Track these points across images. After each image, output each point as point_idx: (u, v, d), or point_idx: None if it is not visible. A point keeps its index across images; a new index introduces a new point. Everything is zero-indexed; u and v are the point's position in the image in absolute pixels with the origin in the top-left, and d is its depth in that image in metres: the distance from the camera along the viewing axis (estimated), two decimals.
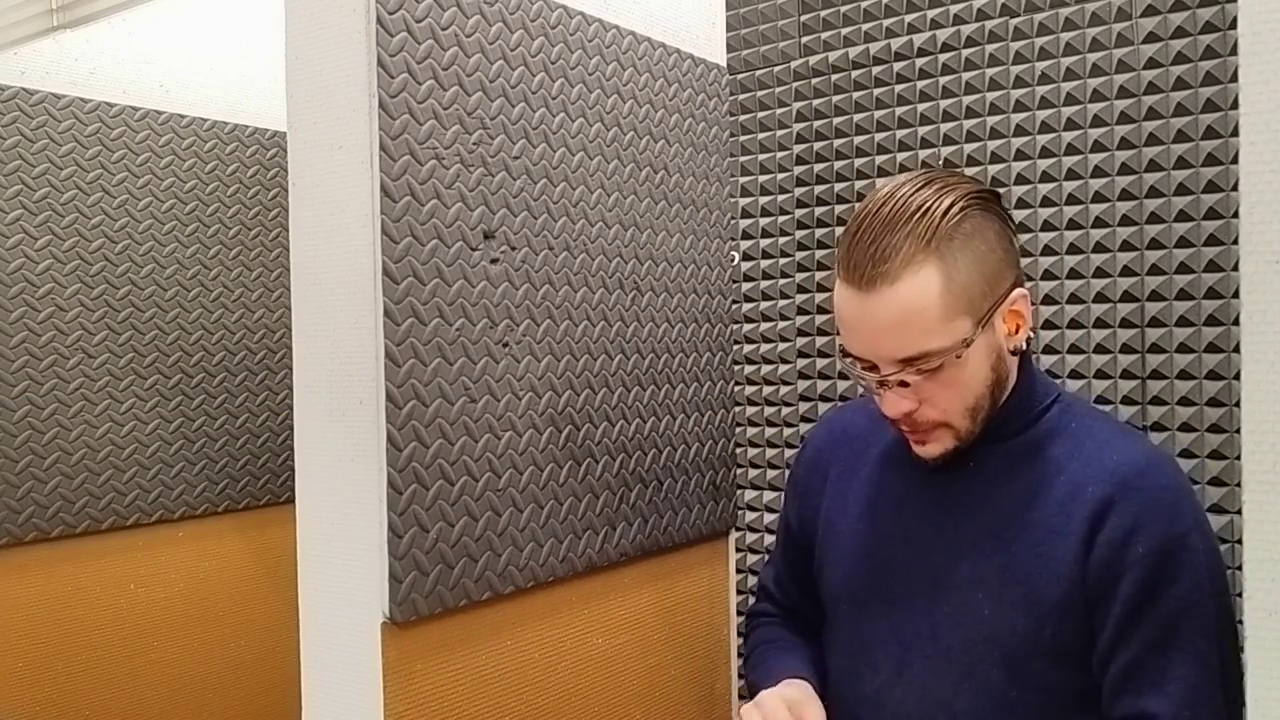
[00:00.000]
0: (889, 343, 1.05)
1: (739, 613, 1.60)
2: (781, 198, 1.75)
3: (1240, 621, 1.26)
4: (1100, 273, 1.46)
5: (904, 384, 1.07)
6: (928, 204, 1.04)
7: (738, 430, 1.69)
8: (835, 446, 1.33)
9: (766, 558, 1.49)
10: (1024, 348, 1.12)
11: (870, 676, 1.19)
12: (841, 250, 1.07)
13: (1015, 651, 1.08)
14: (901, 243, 1.02)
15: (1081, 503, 1.07)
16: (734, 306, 1.71)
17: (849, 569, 1.24)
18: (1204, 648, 1.03)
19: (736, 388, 1.71)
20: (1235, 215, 1.36)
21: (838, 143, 1.69)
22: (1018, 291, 1.10)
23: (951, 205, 1.05)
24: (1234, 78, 1.33)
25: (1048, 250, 1.49)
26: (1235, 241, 1.35)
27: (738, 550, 1.66)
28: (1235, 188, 1.35)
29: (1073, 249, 1.48)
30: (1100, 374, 1.46)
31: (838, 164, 1.69)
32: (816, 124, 1.71)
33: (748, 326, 1.78)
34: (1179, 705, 1.01)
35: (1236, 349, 1.35)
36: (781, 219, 1.75)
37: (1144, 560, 1.03)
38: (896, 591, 1.18)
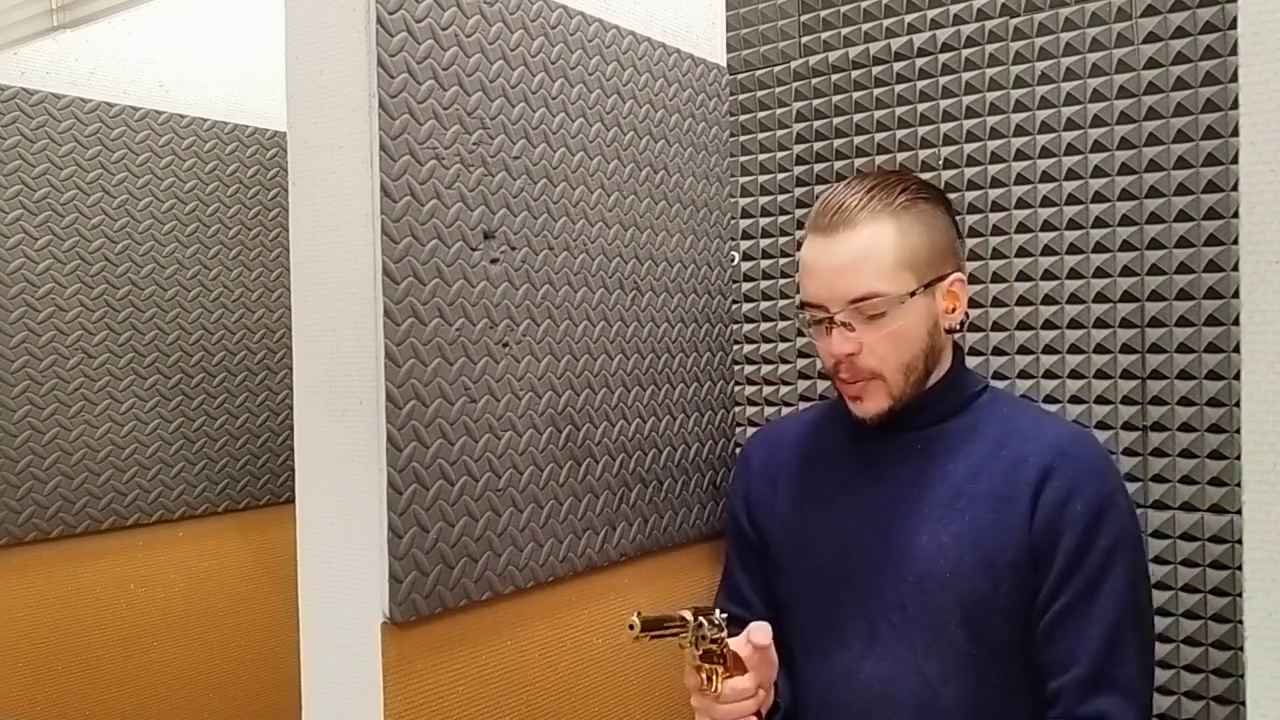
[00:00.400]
0: (843, 280, 1.19)
1: None
2: (781, 198, 1.75)
3: (1239, 622, 1.27)
4: (1100, 273, 1.46)
5: (850, 328, 1.20)
6: (890, 181, 1.23)
7: (738, 430, 1.69)
8: (779, 452, 1.41)
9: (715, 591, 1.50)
10: (957, 329, 1.27)
11: (840, 653, 1.26)
12: (812, 211, 1.25)
13: (975, 612, 1.19)
14: (865, 201, 1.20)
15: (1024, 470, 1.21)
16: (734, 306, 1.71)
17: (813, 559, 1.31)
18: (1123, 590, 1.17)
19: (736, 388, 1.71)
20: (1235, 215, 1.36)
21: (838, 143, 1.69)
22: (957, 275, 1.25)
23: (909, 186, 1.24)
24: (1234, 78, 1.33)
25: (1048, 250, 1.49)
26: (1235, 241, 1.35)
27: None
28: (1235, 188, 1.35)
29: (1073, 249, 1.48)
30: (1100, 374, 1.46)
31: (838, 164, 1.69)
32: (816, 124, 1.71)
33: (748, 326, 1.78)
34: (1100, 645, 1.15)
35: (1236, 349, 1.34)
36: (781, 219, 1.75)
37: (1081, 517, 1.17)
38: (860, 571, 1.26)
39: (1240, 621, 1.34)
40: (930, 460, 1.26)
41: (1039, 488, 1.19)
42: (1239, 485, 1.35)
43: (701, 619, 1.12)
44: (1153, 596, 1.29)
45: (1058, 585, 1.18)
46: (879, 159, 1.64)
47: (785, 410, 1.75)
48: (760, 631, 1.16)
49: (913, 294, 1.19)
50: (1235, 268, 1.35)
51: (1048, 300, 1.49)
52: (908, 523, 1.24)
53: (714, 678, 1.15)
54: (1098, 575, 1.17)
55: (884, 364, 1.21)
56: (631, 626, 1.06)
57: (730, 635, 1.38)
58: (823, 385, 1.71)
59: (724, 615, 1.15)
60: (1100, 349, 1.46)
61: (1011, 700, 1.21)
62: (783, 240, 1.75)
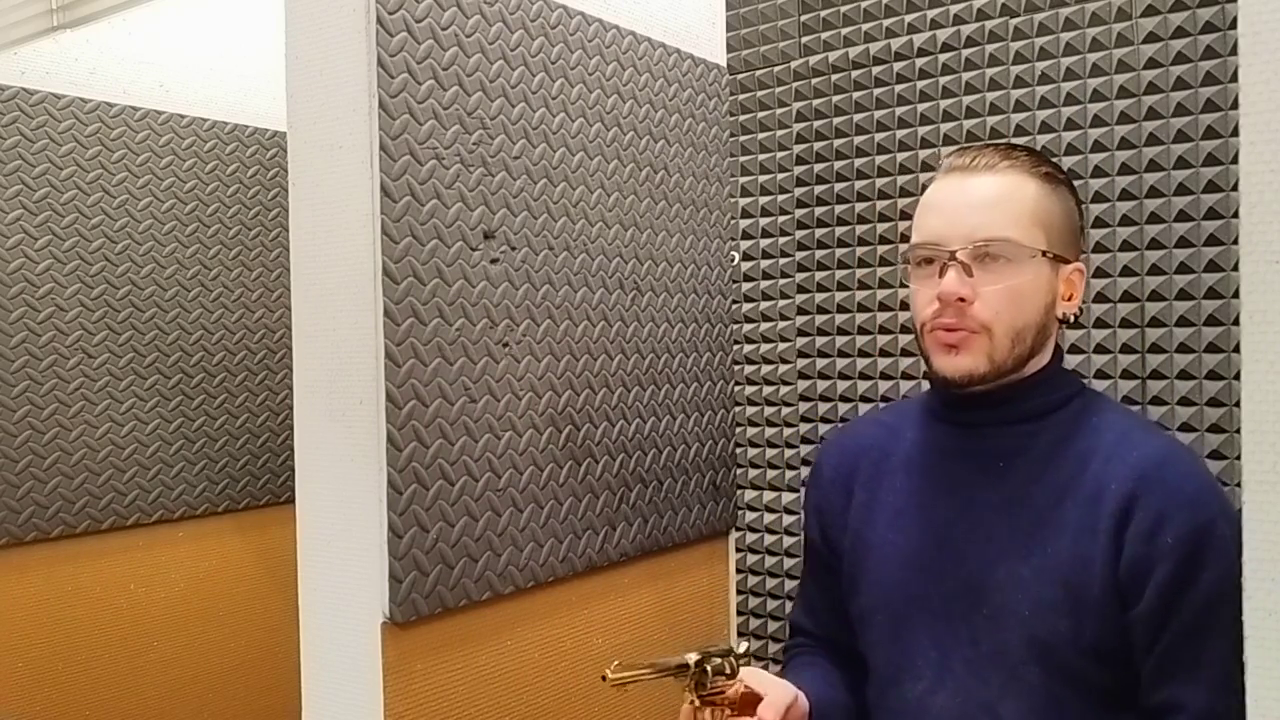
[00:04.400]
0: (976, 217, 1.11)
1: (739, 613, 1.60)
2: (781, 198, 1.75)
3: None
4: (1100, 273, 1.46)
5: (968, 272, 1.10)
6: (1036, 152, 1.17)
7: (738, 430, 1.69)
8: (854, 461, 1.31)
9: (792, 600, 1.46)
10: (1070, 321, 1.17)
11: (911, 684, 1.18)
12: (949, 157, 1.17)
13: (1056, 652, 1.09)
14: (1013, 154, 1.14)
15: (1106, 500, 1.09)
16: (734, 306, 1.71)
17: (884, 579, 1.22)
18: (1229, 627, 1.05)
19: (736, 388, 1.71)
20: (1235, 215, 1.36)
21: (838, 143, 1.69)
22: (1079, 265, 1.17)
23: (1054, 165, 1.18)
24: (1234, 78, 1.33)
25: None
26: (1235, 241, 1.35)
27: (738, 550, 1.66)
28: (1235, 188, 1.35)
29: None
30: (1100, 374, 1.46)
31: (838, 164, 1.69)
32: (816, 124, 1.71)
33: (748, 326, 1.78)
34: (1209, 691, 1.03)
35: (1236, 349, 1.35)
36: (781, 219, 1.75)
37: (1173, 551, 1.05)
38: (934, 598, 1.17)
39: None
40: (1011, 480, 1.15)
41: (1123, 520, 1.07)
42: (1239, 485, 1.35)
43: (707, 666, 1.07)
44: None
45: (1155, 627, 1.06)
46: (879, 159, 1.64)
47: (785, 410, 1.75)
48: (770, 712, 1.09)
49: (1043, 254, 1.11)
50: (1235, 268, 1.35)
51: None
52: (985, 551, 1.14)
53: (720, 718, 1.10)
54: (1201, 615, 1.04)
55: (998, 319, 1.10)
56: (604, 678, 1.01)
57: (799, 651, 1.34)
58: (823, 385, 1.71)
59: (743, 655, 1.11)
60: (1100, 349, 1.46)
61: None
62: (783, 240, 1.75)
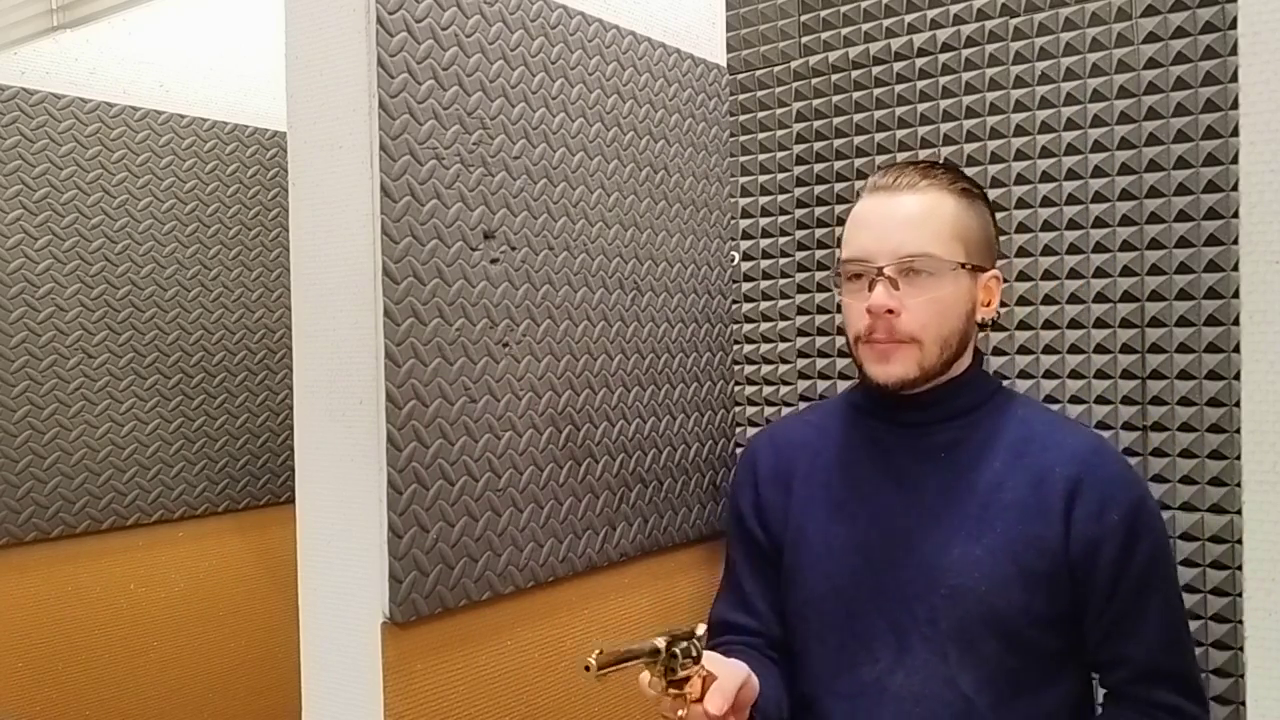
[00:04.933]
0: (899, 235, 1.20)
1: None
2: (781, 198, 1.75)
3: (1239, 622, 1.27)
4: (1100, 273, 1.46)
5: (894, 286, 1.19)
6: (951, 168, 1.28)
7: (738, 430, 1.69)
8: (790, 457, 1.37)
9: (714, 599, 1.44)
10: (988, 325, 1.27)
11: (868, 667, 1.24)
12: (870, 179, 1.26)
13: (1010, 621, 1.19)
14: (930, 173, 1.23)
15: (1052, 484, 1.21)
16: (734, 306, 1.71)
17: (833, 569, 1.27)
18: (1167, 590, 1.21)
19: (736, 388, 1.71)
20: (1235, 215, 1.36)
21: (838, 143, 1.69)
22: (995, 272, 1.27)
23: (967, 179, 1.27)
24: (1234, 78, 1.33)
25: (1048, 250, 1.49)
26: (1235, 241, 1.35)
27: None
28: (1235, 188, 1.35)
29: (1073, 249, 1.48)
30: (1100, 374, 1.46)
31: (838, 164, 1.69)
32: (816, 124, 1.71)
33: (748, 326, 1.78)
34: (1152, 645, 1.19)
35: (1236, 349, 1.35)
36: (781, 219, 1.75)
37: (1118, 527, 1.19)
38: (887, 582, 1.24)
39: (1240, 621, 1.34)
40: (953, 470, 1.25)
41: (1070, 503, 1.20)
42: (1239, 485, 1.35)
43: (675, 649, 1.06)
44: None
45: (1108, 594, 1.19)
46: (879, 159, 1.64)
47: (785, 410, 1.75)
48: (718, 702, 1.08)
49: (962, 265, 1.20)
50: (1235, 268, 1.35)
51: (1047, 300, 1.49)
52: (936, 534, 1.23)
53: (683, 706, 1.09)
54: (1145, 577, 1.19)
55: (925, 330, 1.20)
56: (588, 668, 0.99)
57: (733, 646, 1.34)
58: (823, 386, 1.71)
59: (703, 637, 1.09)
60: (1100, 349, 1.46)
61: (1047, 710, 1.21)
62: (783, 240, 1.75)
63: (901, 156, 1.62)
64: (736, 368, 1.73)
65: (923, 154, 1.60)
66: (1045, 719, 1.21)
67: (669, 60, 1.45)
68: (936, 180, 1.22)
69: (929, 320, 1.20)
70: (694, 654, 1.08)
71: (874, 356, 1.23)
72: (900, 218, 1.20)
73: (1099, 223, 1.46)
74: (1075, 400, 1.46)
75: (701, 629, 1.09)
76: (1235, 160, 1.34)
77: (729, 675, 1.11)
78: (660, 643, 1.05)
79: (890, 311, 1.19)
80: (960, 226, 1.21)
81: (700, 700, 1.08)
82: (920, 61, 1.60)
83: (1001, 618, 1.18)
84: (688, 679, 1.08)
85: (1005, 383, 1.47)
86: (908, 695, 1.21)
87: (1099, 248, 1.46)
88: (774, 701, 1.27)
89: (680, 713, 1.08)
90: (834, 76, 1.69)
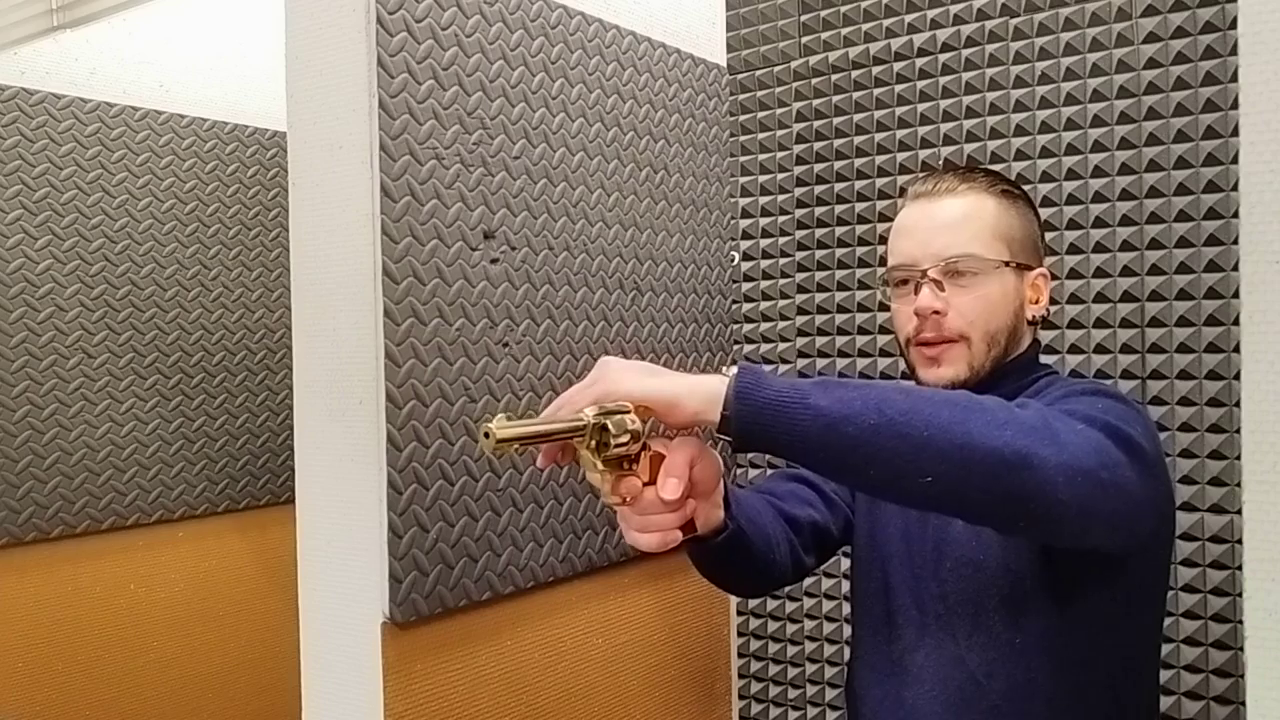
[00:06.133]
0: (941, 238, 1.21)
1: (739, 613, 1.60)
2: (781, 198, 1.75)
3: (1239, 622, 1.27)
4: (1100, 273, 1.46)
5: (940, 287, 1.20)
6: (992, 172, 1.28)
7: None
8: None
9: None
10: (1039, 320, 1.25)
11: (895, 644, 1.25)
12: (913, 184, 1.26)
13: (1011, 592, 1.17)
14: (970, 177, 1.24)
15: None
16: (734, 306, 1.71)
17: (877, 541, 1.30)
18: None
19: None
20: (1235, 215, 1.36)
21: (838, 143, 1.69)
22: (1043, 270, 1.26)
23: (1009, 181, 1.27)
24: (1234, 78, 1.33)
25: (1047, 250, 1.49)
26: (1235, 241, 1.35)
27: None
28: (1235, 188, 1.35)
29: (1073, 249, 1.48)
30: (1100, 374, 1.46)
31: (838, 164, 1.69)
32: (816, 124, 1.71)
33: (748, 326, 1.78)
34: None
35: (1236, 349, 1.35)
36: (781, 219, 1.75)
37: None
38: (915, 559, 1.25)
39: (1240, 621, 1.34)
40: None
41: None
42: (1239, 485, 1.35)
43: (606, 422, 0.89)
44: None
45: None
46: (879, 159, 1.65)
47: None
48: (673, 485, 0.95)
49: (1006, 264, 1.21)
50: (1235, 268, 1.35)
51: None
52: None
53: (631, 491, 0.94)
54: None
55: (972, 327, 1.21)
56: (487, 435, 0.84)
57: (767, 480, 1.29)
58: None
59: (638, 422, 0.92)
60: (1100, 349, 1.46)
61: (1064, 700, 1.16)
62: (783, 240, 1.75)
63: (901, 157, 1.62)
64: None
65: (922, 154, 1.60)
66: (1060, 713, 1.17)
67: (669, 60, 1.45)
68: (975, 184, 1.24)
69: (976, 317, 1.21)
70: (631, 428, 0.90)
71: (924, 361, 1.24)
72: (941, 222, 1.22)
73: (1099, 223, 1.46)
74: None
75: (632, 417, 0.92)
76: (1235, 160, 1.34)
77: (678, 449, 0.97)
78: (589, 413, 0.90)
79: (937, 313, 1.20)
80: (1002, 227, 1.22)
81: (653, 483, 0.95)
82: (920, 61, 1.60)
83: (1002, 586, 1.17)
84: (631, 459, 0.92)
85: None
86: (926, 676, 1.21)
87: (1099, 248, 1.46)
88: (753, 507, 1.21)
89: (618, 497, 0.93)
90: (834, 76, 1.69)
